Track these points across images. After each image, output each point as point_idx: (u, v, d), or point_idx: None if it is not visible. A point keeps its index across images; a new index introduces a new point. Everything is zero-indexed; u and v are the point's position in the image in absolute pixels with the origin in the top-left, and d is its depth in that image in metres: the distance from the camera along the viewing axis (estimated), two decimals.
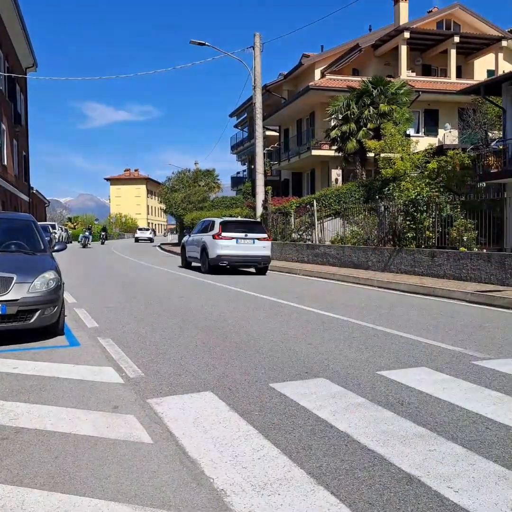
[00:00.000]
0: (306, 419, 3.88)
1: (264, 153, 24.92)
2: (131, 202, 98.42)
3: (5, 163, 27.92)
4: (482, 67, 32.86)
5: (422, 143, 24.15)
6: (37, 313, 6.30)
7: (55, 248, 8.17)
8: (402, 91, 23.38)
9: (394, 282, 12.10)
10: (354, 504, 2.69)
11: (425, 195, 14.00)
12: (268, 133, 37.32)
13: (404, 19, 31.31)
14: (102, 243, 45.56)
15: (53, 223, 45.12)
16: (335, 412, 3.99)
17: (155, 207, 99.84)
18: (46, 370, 5.20)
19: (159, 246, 41.24)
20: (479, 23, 32.67)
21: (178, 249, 32.95)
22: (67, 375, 5.02)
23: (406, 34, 29.68)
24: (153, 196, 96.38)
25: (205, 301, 10.07)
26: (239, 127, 48.74)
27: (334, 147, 25.37)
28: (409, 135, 25.37)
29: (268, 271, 16.93)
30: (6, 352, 5.94)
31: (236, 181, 48.75)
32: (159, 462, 3.19)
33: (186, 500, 2.74)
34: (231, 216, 25.44)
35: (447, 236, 13.26)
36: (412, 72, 31.11)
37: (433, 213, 13.71)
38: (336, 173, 29.24)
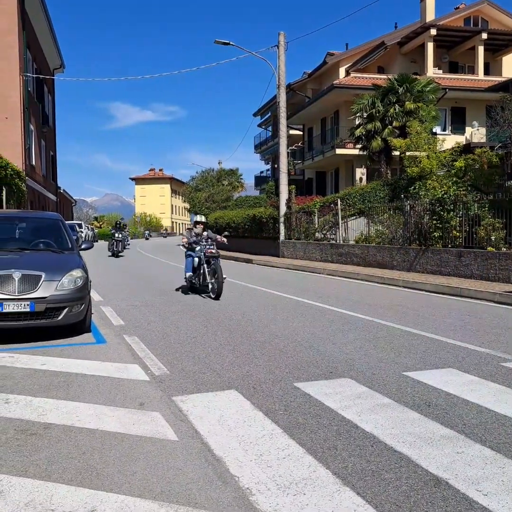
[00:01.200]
0: (331, 419, 3.86)
1: (287, 152, 24.85)
2: (155, 202, 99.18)
3: (34, 163, 28.39)
4: (511, 64, 32.25)
5: (449, 141, 23.78)
6: (65, 311, 6.40)
7: (82, 246, 8.29)
8: (428, 88, 23.05)
9: (420, 282, 11.96)
10: (381, 506, 2.67)
11: (452, 194, 13.80)
12: (292, 132, 37.21)
13: (430, 16, 30.89)
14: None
15: (80, 222, 45.82)
16: (360, 413, 3.96)
17: (179, 207, 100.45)
18: (73, 366, 5.27)
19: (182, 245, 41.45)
20: (507, 19, 32.05)
21: None
22: (94, 372, 5.09)
23: (433, 31, 29.28)
24: (177, 196, 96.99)
25: (227, 300, 10.08)
26: (263, 126, 48.70)
27: (359, 146, 25.17)
28: (435, 133, 25.02)
29: (292, 270, 17.54)
30: (35, 348, 6.05)
31: (260, 180, 48.72)
32: (184, 459, 3.21)
33: (212, 498, 2.75)
34: (254, 215, 25.49)
35: (474, 235, 13.03)
36: (438, 69, 30.70)
37: (460, 212, 13.49)
38: (360, 172, 29.02)
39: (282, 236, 22.41)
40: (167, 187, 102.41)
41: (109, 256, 25.89)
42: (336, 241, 18.97)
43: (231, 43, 22.63)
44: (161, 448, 3.36)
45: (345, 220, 18.87)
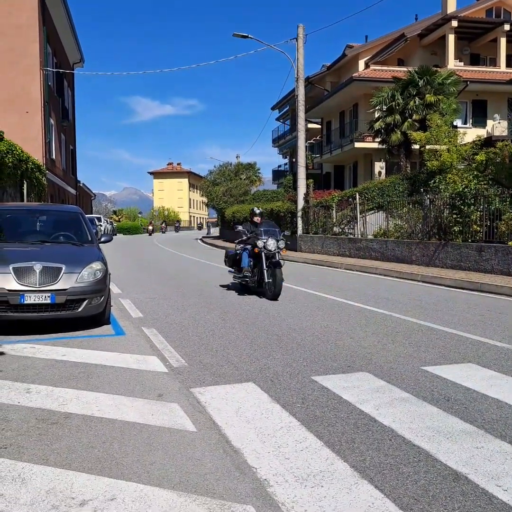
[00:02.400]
0: (349, 412, 3.86)
1: (306, 146, 24.73)
2: (173, 196, 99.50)
3: (54, 157, 28.68)
4: None
5: (470, 134, 23.44)
6: (85, 303, 6.47)
7: (102, 239, 8.37)
8: (449, 81, 22.74)
9: (439, 277, 11.85)
10: (399, 499, 2.66)
11: (472, 188, 13.62)
12: (310, 125, 37.00)
13: (451, 7, 30.42)
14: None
15: (99, 216, 46.22)
16: (378, 407, 3.95)
17: (197, 201, 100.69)
18: (93, 358, 5.33)
19: (200, 239, 41.64)
20: None
21: (220, 243, 33.20)
22: (113, 363, 5.14)
23: (454, 23, 28.83)
24: (195, 190, 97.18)
25: (245, 294, 10.08)
26: (281, 120, 48.53)
27: (378, 139, 24.95)
28: (456, 127, 24.70)
29: (310, 264, 17.50)
30: (55, 340, 6.13)
31: (277, 174, 48.61)
32: (202, 450, 3.23)
33: (230, 489, 2.77)
34: (272, 209, 25.46)
35: (495, 230, 12.87)
36: (459, 61, 30.25)
37: (481, 207, 13.32)
38: (379, 166, 28.79)
39: (299, 230, 22.35)
40: (185, 181, 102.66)
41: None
42: (354, 236, 18.87)
43: (249, 36, 22.55)
44: (179, 439, 3.39)
45: (364, 214, 18.75)
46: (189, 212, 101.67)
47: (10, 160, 16.67)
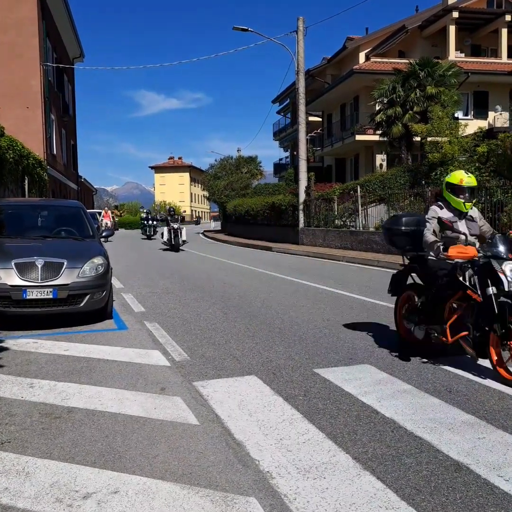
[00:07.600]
0: (351, 404, 3.87)
1: (307, 139, 24.65)
2: (175, 190, 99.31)
3: (55, 152, 28.64)
4: None
5: (471, 126, 23.31)
6: (87, 297, 6.49)
7: (103, 234, 8.37)
8: (450, 72, 22.62)
9: None
10: (401, 490, 2.67)
11: None
12: (311, 118, 36.86)
13: None
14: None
15: (100, 210, 46.18)
16: (380, 398, 3.96)
17: (198, 195, 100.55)
18: (95, 352, 5.35)
19: (202, 233, 41.61)
20: None
21: (222, 237, 33.18)
22: (116, 357, 5.16)
23: (455, 14, 28.64)
24: (197, 184, 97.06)
25: (247, 287, 10.12)
26: (282, 113, 48.39)
27: (379, 132, 24.87)
28: (457, 118, 24.57)
29: (312, 257, 17.57)
30: (58, 334, 6.15)
31: (279, 167, 48.51)
32: (205, 443, 3.24)
33: (233, 481, 2.78)
34: (273, 202, 25.42)
35: (497, 222, 12.85)
36: (461, 53, 30.06)
37: (483, 198, 13.30)
38: (380, 158, 28.70)
39: (301, 224, 22.33)
40: (186, 175, 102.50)
41: None
42: (355, 228, 18.85)
43: (249, 29, 22.45)
44: (182, 432, 3.40)
45: (365, 207, 18.72)
46: (191, 207, 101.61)
47: (11, 156, 16.64)
